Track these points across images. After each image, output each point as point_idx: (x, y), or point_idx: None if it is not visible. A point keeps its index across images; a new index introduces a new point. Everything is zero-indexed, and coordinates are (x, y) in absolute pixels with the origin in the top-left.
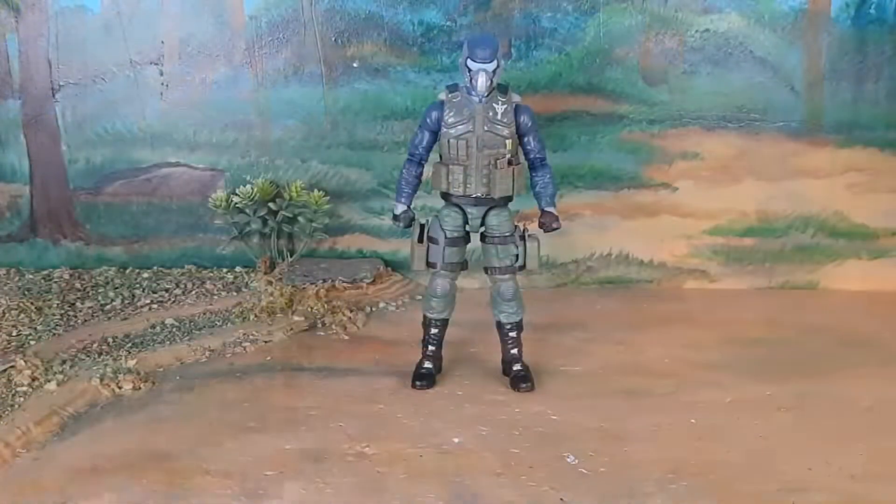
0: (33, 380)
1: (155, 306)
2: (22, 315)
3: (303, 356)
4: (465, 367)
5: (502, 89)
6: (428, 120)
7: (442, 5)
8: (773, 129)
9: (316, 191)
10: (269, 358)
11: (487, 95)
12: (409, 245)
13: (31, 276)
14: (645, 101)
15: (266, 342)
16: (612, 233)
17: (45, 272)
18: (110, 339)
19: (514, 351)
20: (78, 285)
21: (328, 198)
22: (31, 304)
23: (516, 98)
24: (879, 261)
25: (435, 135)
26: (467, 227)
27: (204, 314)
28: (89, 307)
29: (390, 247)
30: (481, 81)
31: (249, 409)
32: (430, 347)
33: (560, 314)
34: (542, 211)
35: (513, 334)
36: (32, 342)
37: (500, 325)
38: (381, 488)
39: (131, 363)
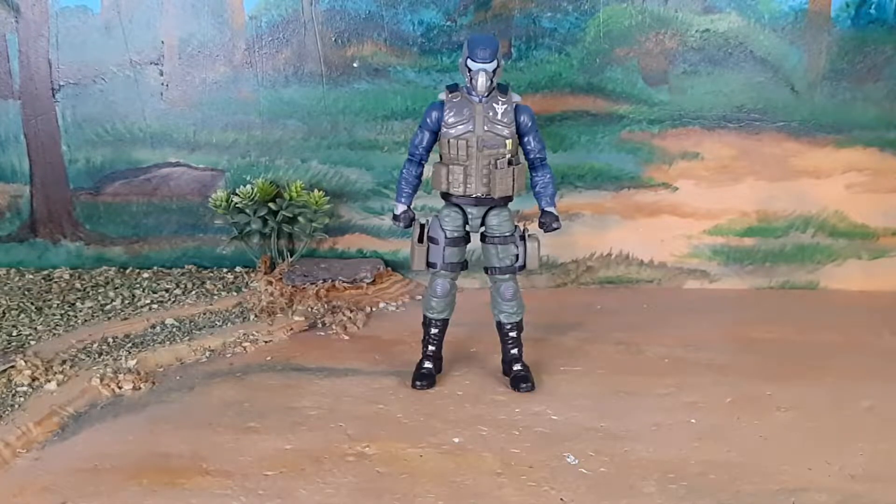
0: (33, 380)
1: (155, 306)
2: (22, 315)
3: (303, 356)
4: (465, 367)
5: (502, 89)
6: (428, 120)
7: (442, 5)
8: (773, 129)
9: (316, 191)
10: (269, 358)
11: (487, 95)
12: (409, 245)
13: (31, 276)
14: (645, 101)
15: (266, 342)
16: (612, 233)
17: (45, 272)
18: (110, 339)
19: (515, 351)
20: (78, 285)
21: (328, 198)
22: (31, 304)
23: (516, 98)
24: (879, 261)
25: (435, 135)
26: (467, 227)
27: (204, 314)
28: (89, 307)
29: (390, 247)
30: (481, 81)
31: (249, 409)
32: (430, 347)
33: (560, 314)
34: (543, 211)
35: (513, 334)
36: (32, 342)
37: (500, 325)
38: (381, 488)
39: (131, 363)
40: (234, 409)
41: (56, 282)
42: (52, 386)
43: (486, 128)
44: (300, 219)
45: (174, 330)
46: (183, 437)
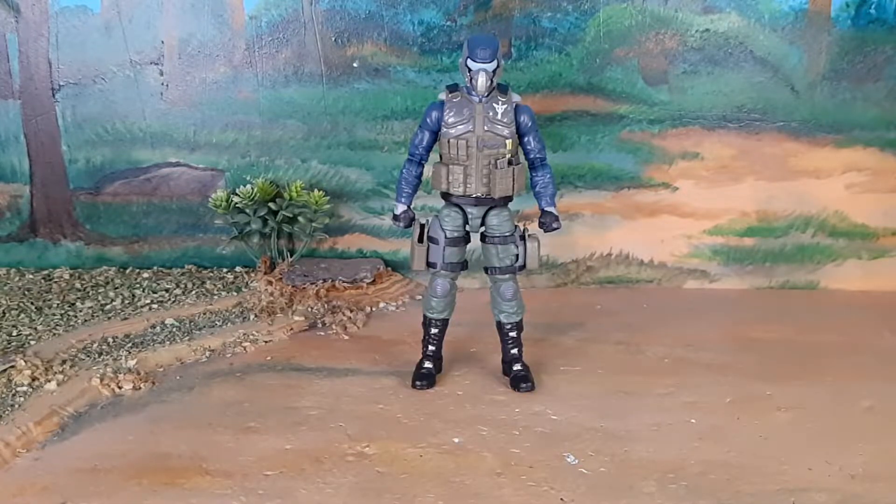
0: (33, 380)
1: (155, 306)
2: (22, 315)
3: (303, 356)
4: (465, 367)
5: (502, 89)
6: (428, 120)
7: (442, 5)
8: (773, 129)
9: (316, 191)
10: (269, 358)
11: (487, 95)
12: (409, 245)
13: (31, 276)
14: (645, 101)
15: (266, 342)
16: (612, 233)
17: (45, 272)
18: (110, 339)
19: (515, 351)
20: (78, 285)
21: (328, 198)
22: (31, 304)
23: (516, 98)
24: (879, 261)
25: (435, 135)
26: (467, 227)
27: (204, 314)
28: (89, 307)
29: (390, 247)
30: (481, 81)
31: (249, 409)
32: (430, 347)
33: (560, 314)
34: (543, 211)
35: (513, 334)
36: (32, 342)
37: (500, 325)
38: (381, 488)
39: (131, 363)
40: (234, 409)
41: (56, 282)
42: (52, 386)
43: (486, 128)
44: (300, 219)
45: (174, 330)
46: (183, 437)
